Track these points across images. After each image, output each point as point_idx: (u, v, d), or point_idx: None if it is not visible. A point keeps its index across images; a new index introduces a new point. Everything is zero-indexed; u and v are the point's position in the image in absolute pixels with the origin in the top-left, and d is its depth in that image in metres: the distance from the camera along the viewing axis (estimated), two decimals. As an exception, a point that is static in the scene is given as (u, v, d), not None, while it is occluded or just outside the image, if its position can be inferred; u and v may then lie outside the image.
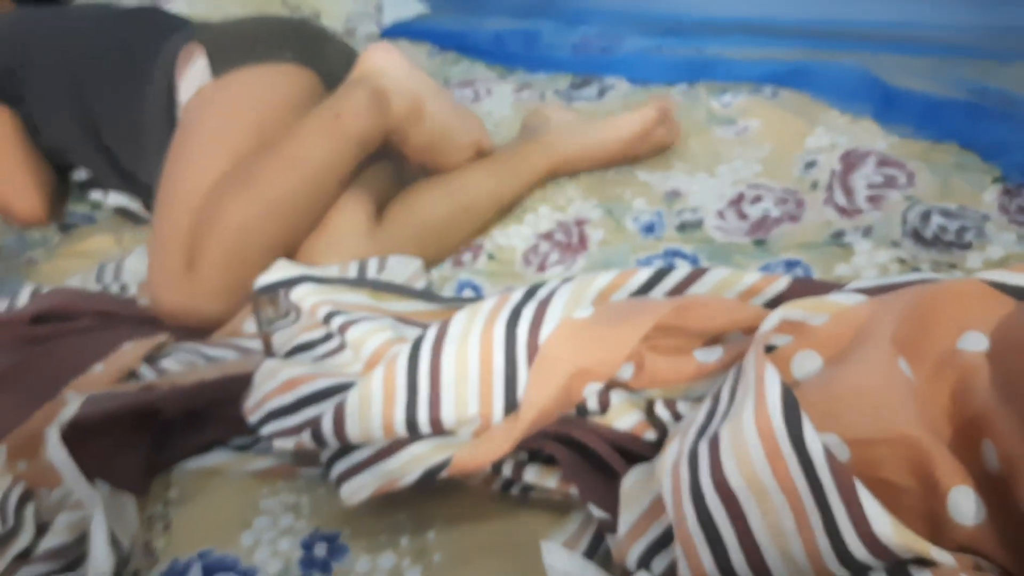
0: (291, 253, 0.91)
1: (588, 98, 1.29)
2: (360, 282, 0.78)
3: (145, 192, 1.00)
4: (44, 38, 1.25)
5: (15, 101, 1.27)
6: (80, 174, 1.32)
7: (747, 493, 0.44)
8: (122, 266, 1.05)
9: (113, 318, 0.91)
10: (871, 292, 0.54)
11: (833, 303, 0.53)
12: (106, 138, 1.19)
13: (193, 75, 1.04)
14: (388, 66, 0.97)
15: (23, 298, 0.95)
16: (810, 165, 0.99)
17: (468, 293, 0.92)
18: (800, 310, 0.53)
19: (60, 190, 1.32)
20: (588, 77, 1.33)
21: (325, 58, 1.09)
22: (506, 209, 1.04)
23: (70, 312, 0.90)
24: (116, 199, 1.28)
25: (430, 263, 0.98)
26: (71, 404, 0.70)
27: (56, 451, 0.63)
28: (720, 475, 0.45)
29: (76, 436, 0.67)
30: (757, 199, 0.95)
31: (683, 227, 0.93)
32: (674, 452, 0.49)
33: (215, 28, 1.11)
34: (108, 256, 1.12)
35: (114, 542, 0.59)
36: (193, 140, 0.97)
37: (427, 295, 0.80)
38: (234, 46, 1.04)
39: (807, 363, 0.51)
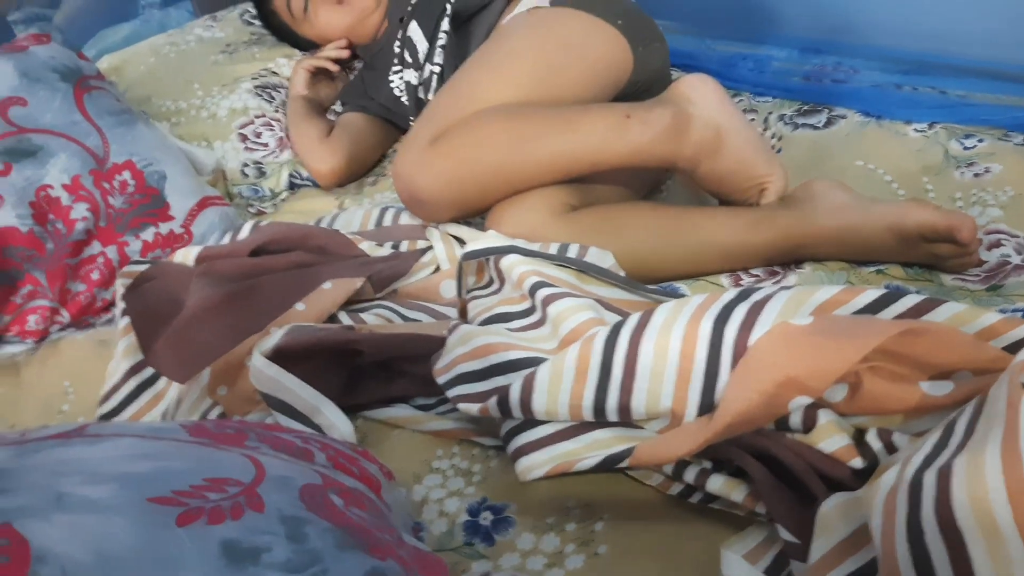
0: (491, 201, 0.95)
1: (814, 126, 1.23)
2: (568, 261, 0.77)
3: None
4: None
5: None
6: None
7: (976, 535, 0.39)
8: (334, 221, 1.11)
9: (322, 253, 0.96)
10: None
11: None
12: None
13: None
14: (699, 96, 0.94)
15: (244, 232, 1.02)
16: (1061, 221, 0.90)
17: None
18: (1064, 350, 0.47)
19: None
20: (817, 105, 1.27)
21: (647, 45, 1.10)
22: (728, 267, 0.92)
23: (284, 244, 0.96)
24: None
25: None
26: (275, 334, 0.74)
27: (265, 366, 0.66)
28: (947, 511, 0.40)
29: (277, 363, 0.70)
30: (996, 245, 0.87)
31: (909, 265, 0.86)
32: (891, 480, 0.44)
33: None
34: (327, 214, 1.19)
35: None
36: (500, 48, 1.03)
37: (633, 284, 0.78)
38: None
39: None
